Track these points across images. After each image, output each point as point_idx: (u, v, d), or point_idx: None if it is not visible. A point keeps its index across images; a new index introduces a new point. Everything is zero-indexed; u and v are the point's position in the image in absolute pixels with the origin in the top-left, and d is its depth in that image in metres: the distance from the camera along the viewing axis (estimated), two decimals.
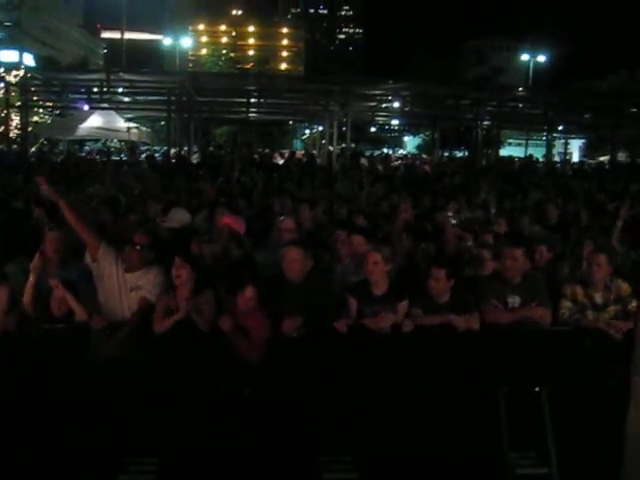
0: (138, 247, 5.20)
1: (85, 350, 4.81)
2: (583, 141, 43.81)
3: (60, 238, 5.49)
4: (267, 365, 4.84)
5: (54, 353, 4.68)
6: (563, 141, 40.75)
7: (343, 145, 24.80)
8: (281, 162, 23.60)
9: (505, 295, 5.51)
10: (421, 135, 46.78)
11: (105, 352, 4.76)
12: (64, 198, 5.28)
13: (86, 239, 5.25)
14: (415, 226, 7.46)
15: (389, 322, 5.14)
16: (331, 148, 24.80)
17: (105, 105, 25.02)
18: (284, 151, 35.33)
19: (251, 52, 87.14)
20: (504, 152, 36.47)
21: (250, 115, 27.81)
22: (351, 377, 4.81)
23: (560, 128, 32.97)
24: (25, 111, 23.58)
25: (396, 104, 26.34)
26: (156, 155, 26.61)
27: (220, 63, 46.92)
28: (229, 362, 4.78)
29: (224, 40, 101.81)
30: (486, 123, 28.12)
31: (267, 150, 37.14)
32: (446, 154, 36.62)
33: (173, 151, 23.89)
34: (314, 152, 30.25)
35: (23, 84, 22.84)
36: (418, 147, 48.90)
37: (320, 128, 31.11)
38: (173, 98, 22.83)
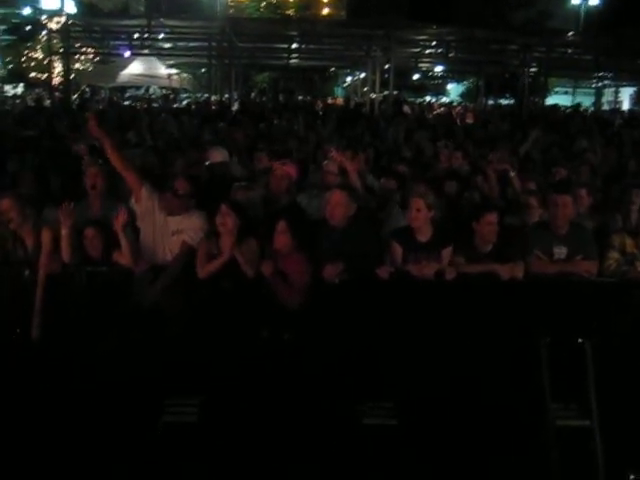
0: (179, 193, 5.18)
1: (129, 293, 4.85)
2: (635, 89, 42.26)
3: (101, 174, 5.51)
4: (307, 311, 4.83)
5: (98, 296, 4.74)
6: (613, 89, 39.42)
7: (385, 92, 24.33)
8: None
9: (551, 245, 5.38)
10: (465, 82, 45.73)
11: (149, 297, 4.79)
12: (109, 138, 5.26)
13: (129, 180, 5.25)
14: (460, 173, 7.32)
15: (432, 270, 5.07)
16: (373, 95, 24.38)
17: (146, 51, 24.91)
18: (328, 98, 34.96)
19: None
20: (550, 101, 35.41)
21: (291, 61, 27.45)
22: (392, 324, 4.78)
23: (610, 75, 31.85)
24: (67, 58, 23.60)
25: (440, 50, 25.69)
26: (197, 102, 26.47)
27: (261, 9, 46.13)
28: (270, 307, 4.78)
29: None
30: (533, 70, 27.27)
31: (308, 97, 36.74)
32: (490, 102, 35.69)
33: (214, 98, 23.76)
34: (357, 99, 29.79)
35: (65, 31, 22.82)
36: (462, 95, 47.84)
37: (362, 75, 30.59)
38: (214, 44, 22.60)
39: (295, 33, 24.08)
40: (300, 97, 31.56)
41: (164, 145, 9.46)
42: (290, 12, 40.88)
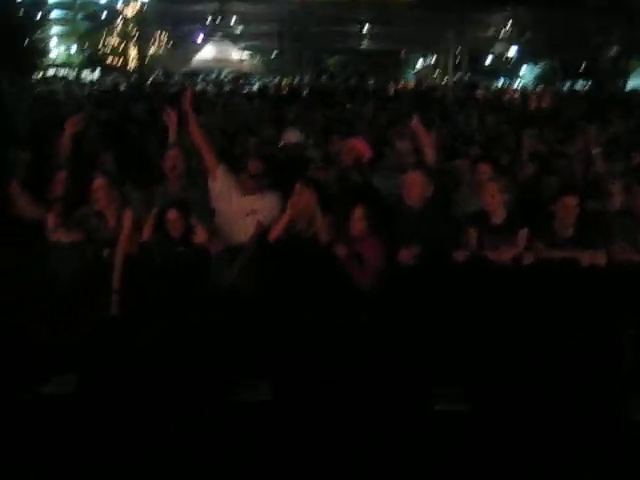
0: (253, 172, 5.21)
1: (205, 273, 4.90)
2: None
3: (180, 155, 5.56)
4: (382, 293, 4.79)
5: (176, 276, 4.80)
6: None
7: (458, 75, 23.94)
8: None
9: (636, 234, 5.16)
10: (540, 65, 44.55)
11: (226, 278, 4.83)
12: (194, 115, 5.33)
13: (207, 159, 5.31)
14: (538, 157, 7.11)
15: (509, 254, 4.95)
16: (445, 79, 24.01)
17: (218, 36, 25.18)
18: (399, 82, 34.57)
19: None
20: (632, 85, 34.10)
21: (362, 44, 27.29)
22: (467, 308, 4.69)
23: None
24: (141, 44, 24.09)
25: (514, 31, 25.07)
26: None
27: None
28: (344, 289, 4.76)
29: None
30: (613, 52, 26.32)
31: (379, 80, 36.40)
32: (567, 85, 34.63)
33: (285, 81, 23.85)
34: (428, 83, 29.37)
35: (139, 17, 23.27)
36: (536, 78, 46.60)
37: (434, 58, 30.16)
38: (285, 28, 22.66)
39: (366, 16, 23.90)
40: (371, 81, 31.30)
41: (235, 128, 9.51)
42: None
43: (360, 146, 6.05)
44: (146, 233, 4.89)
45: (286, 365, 4.61)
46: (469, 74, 28.61)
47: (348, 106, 13.41)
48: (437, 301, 4.74)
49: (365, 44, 27.78)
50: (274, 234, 4.97)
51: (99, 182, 4.97)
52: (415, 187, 5.17)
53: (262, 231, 5.12)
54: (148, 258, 4.87)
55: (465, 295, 4.74)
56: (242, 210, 5.20)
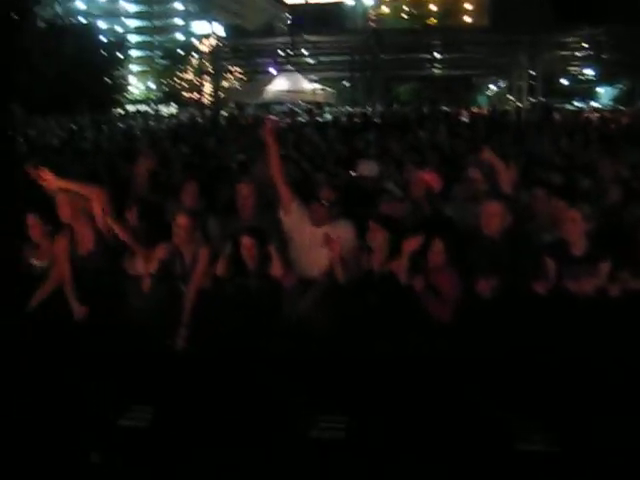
0: (325, 202, 5.18)
1: (278, 306, 4.88)
2: None
3: (252, 187, 5.59)
4: (459, 326, 4.65)
5: (248, 309, 4.80)
6: None
7: (532, 99, 23.50)
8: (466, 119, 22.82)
9: None
10: (618, 86, 43.37)
11: (299, 311, 4.80)
12: (276, 147, 5.35)
13: (282, 192, 5.31)
14: (620, 182, 6.83)
15: (592, 285, 4.74)
16: (519, 103, 23.61)
17: (290, 68, 25.58)
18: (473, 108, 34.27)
19: (434, 6, 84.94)
20: None
21: (434, 71, 27.20)
22: (549, 341, 4.50)
23: None
24: (216, 78, 24.72)
25: (591, 52, 24.47)
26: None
27: (402, 19, 46.29)
28: (419, 321, 4.66)
29: None
30: None
31: (451, 107, 36.21)
32: None
33: (356, 110, 23.97)
34: (502, 108, 28.99)
35: (214, 52, 23.92)
36: (615, 99, 45.35)
37: (507, 82, 29.73)
38: (356, 57, 22.83)
39: (437, 42, 23.83)
40: (443, 107, 31.15)
41: (308, 158, 9.56)
42: (431, 21, 40.51)
43: (429, 178, 5.95)
44: (220, 267, 4.90)
45: (360, 400, 4.52)
46: (544, 97, 28.10)
47: (420, 133, 13.32)
48: (516, 334, 4.56)
49: (436, 70, 27.66)
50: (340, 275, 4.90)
51: (182, 220, 5.02)
52: (494, 217, 5.03)
53: (335, 263, 5.05)
54: (221, 291, 4.88)
55: (546, 328, 4.55)
56: (315, 242, 5.16)
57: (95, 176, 7.60)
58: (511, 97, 27.07)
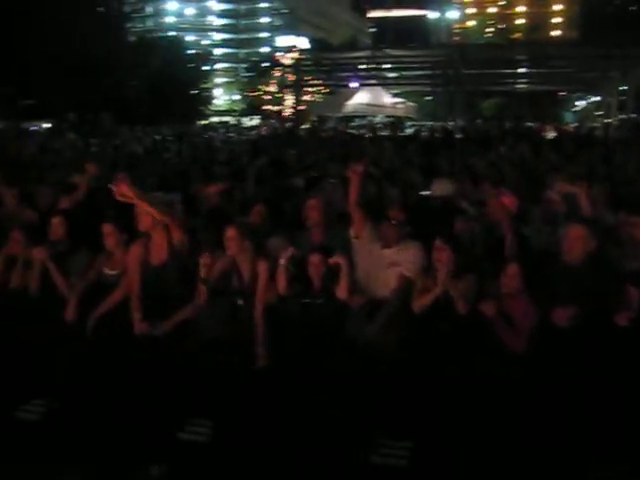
0: (395, 222, 5.03)
1: (344, 327, 4.76)
2: None
3: (321, 204, 5.49)
4: (533, 356, 4.41)
5: (313, 328, 4.70)
6: None
7: (622, 116, 22.61)
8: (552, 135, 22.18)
9: None
10: None
11: (367, 335, 4.66)
12: (360, 164, 5.25)
13: (356, 213, 5.19)
14: None
15: None
16: (609, 120, 22.77)
17: (372, 82, 25.56)
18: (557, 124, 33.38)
19: (520, 21, 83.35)
20: None
21: (518, 86, 26.62)
22: (631, 376, 4.21)
23: None
24: (298, 90, 24.94)
25: None
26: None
27: (487, 34, 45.59)
28: (491, 350, 4.44)
29: (492, 10, 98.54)
30: None
31: (536, 123, 35.36)
32: None
33: (437, 125, 23.69)
34: (590, 124, 28.07)
35: (296, 66, 24.16)
36: None
37: (596, 98, 28.78)
38: (439, 72, 22.59)
39: (523, 57, 23.30)
40: (528, 123, 30.44)
41: (385, 173, 9.41)
42: (517, 35, 39.77)
43: (507, 201, 5.70)
44: (279, 284, 4.83)
45: (426, 426, 4.35)
46: (635, 113, 27.03)
47: (502, 150, 12.95)
48: (595, 366, 4.29)
49: (521, 85, 27.04)
50: (418, 306, 4.74)
51: (230, 232, 4.98)
52: (577, 241, 4.73)
53: (405, 284, 4.90)
54: (286, 310, 4.80)
55: (627, 362, 4.26)
56: (383, 262, 5.02)
57: (172, 185, 7.67)
58: (599, 113, 26.17)
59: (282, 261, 4.79)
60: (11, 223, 5.87)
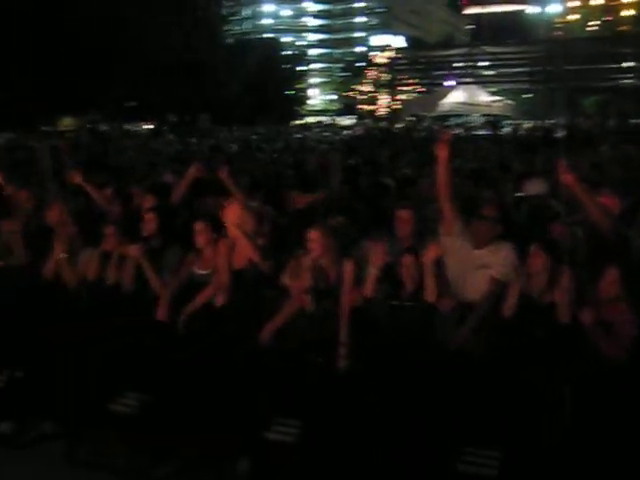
0: (486, 220, 4.82)
1: (432, 331, 4.64)
2: None
3: (413, 218, 5.34)
4: (633, 366, 4.17)
5: (400, 331, 4.61)
6: None
7: None
8: None
9: None
10: None
11: (457, 339, 4.52)
12: (447, 162, 5.08)
13: (445, 210, 5.01)
14: None
15: None
16: None
17: (468, 80, 25.07)
18: None
19: (628, 12, 79.46)
20: None
21: (623, 82, 25.45)
22: None
23: None
24: (392, 90, 24.75)
25: None
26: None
27: (592, 27, 43.80)
28: (588, 359, 4.23)
29: (596, 2, 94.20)
30: None
31: None
32: None
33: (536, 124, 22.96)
34: None
35: (391, 65, 24.01)
36: None
37: None
38: (538, 68, 21.88)
39: (629, 50, 22.25)
40: (632, 120, 29.05)
41: (479, 173, 9.17)
42: (624, 28, 38.11)
43: (607, 202, 5.40)
44: (369, 287, 4.74)
45: (515, 436, 4.19)
46: None
47: (604, 149, 12.40)
48: None
49: (627, 81, 25.84)
50: (508, 310, 4.57)
51: (313, 234, 4.95)
52: None
53: (497, 288, 4.72)
54: (372, 311, 4.73)
55: None
56: (473, 264, 4.85)
57: (260, 186, 7.72)
58: None
59: (374, 264, 4.70)
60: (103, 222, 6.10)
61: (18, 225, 6.11)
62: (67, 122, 37.45)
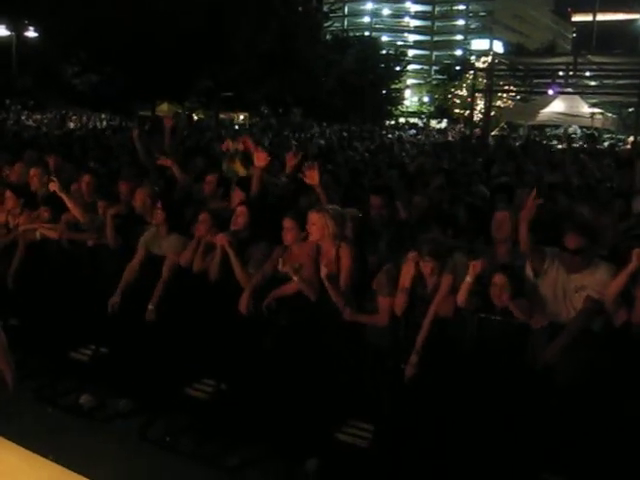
0: (572, 250, 4.53)
1: (522, 349, 4.45)
2: None
3: (512, 221, 5.10)
4: None
5: (489, 346, 4.46)
6: None
7: None
8: None
9: None
10: None
11: (545, 356, 4.32)
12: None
13: (531, 254, 4.67)
14: None
15: None
16: None
17: (570, 90, 24.24)
18: None
19: None
20: None
21: None
22: None
23: None
24: (489, 96, 24.25)
25: None
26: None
27: None
28: None
29: None
30: None
31: None
32: None
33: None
34: None
35: (489, 70, 23.51)
36: None
37: None
38: None
39: None
40: None
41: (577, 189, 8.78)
42: None
43: None
44: (460, 298, 4.57)
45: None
46: None
47: None
48: None
49: None
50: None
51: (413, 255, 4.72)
52: None
53: (593, 307, 4.47)
54: (461, 323, 4.57)
55: None
56: (569, 286, 4.59)
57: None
58: None
59: (469, 278, 4.50)
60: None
61: (118, 209, 6.22)
62: (164, 108, 38.50)
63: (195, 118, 38.29)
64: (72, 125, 27.24)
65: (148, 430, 5.02)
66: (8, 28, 33.66)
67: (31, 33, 34.20)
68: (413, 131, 42.68)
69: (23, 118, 29.66)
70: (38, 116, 31.86)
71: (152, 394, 5.31)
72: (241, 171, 7.66)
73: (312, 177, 5.67)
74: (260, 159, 6.22)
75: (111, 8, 29.32)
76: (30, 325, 6.04)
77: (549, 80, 24.51)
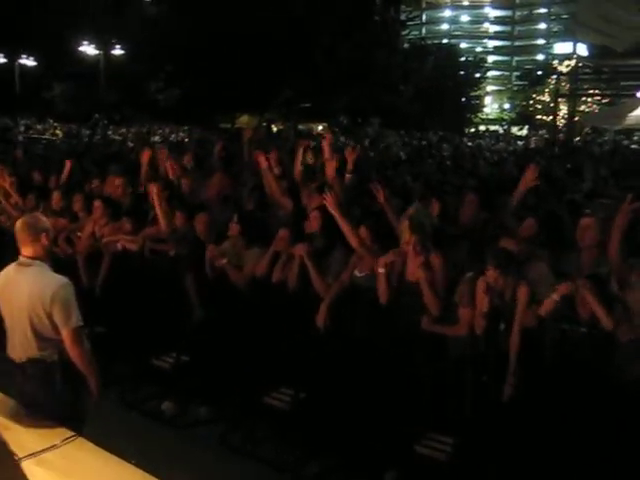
0: None
1: (608, 362, 4.26)
2: None
3: (599, 227, 4.89)
4: None
5: (568, 357, 4.29)
6: None
7: None
8: None
9: None
10: None
11: (635, 371, 4.12)
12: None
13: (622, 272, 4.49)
14: None
15: None
16: None
17: None
18: None
19: None
20: None
21: None
22: None
23: None
24: (573, 100, 23.60)
25: None
26: None
27: None
28: None
29: None
30: None
31: None
32: None
33: None
34: None
35: (573, 73, 22.90)
36: None
37: None
38: None
39: None
40: None
41: None
42: None
43: None
44: (545, 308, 4.41)
45: None
46: None
47: None
48: None
49: None
50: None
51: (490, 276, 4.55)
52: None
53: None
54: (544, 334, 4.41)
55: None
56: None
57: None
58: None
59: (555, 297, 4.33)
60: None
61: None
62: (244, 120, 39.20)
63: (274, 129, 38.82)
64: (157, 138, 28.03)
65: (228, 437, 5.09)
66: (97, 47, 35.35)
67: (118, 51, 35.76)
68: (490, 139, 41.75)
69: (109, 133, 30.77)
70: (123, 130, 33.00)
71: (232, 402, 5.39)
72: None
73: (380, 195, 5.64)
74: (330, 168, 6.23)
75: (194, 22, 30.14)
76: (115, 333, 6.21)
77: (638, 82, 23.63)
